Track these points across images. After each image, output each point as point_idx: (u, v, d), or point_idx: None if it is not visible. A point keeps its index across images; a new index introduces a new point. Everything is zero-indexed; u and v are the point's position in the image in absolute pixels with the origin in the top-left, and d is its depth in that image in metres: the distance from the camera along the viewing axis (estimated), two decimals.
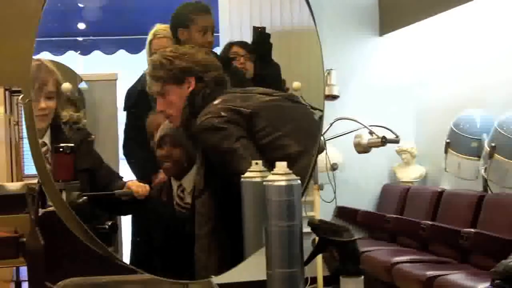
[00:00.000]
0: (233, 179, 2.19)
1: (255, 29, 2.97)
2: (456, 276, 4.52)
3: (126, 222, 2.85)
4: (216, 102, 2.54)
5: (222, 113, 2.49)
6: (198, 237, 2.58)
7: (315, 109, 2.82)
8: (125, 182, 2.71)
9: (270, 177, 1.91)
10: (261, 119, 2.51)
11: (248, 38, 3.04)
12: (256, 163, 2.11)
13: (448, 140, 5.50)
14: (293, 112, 2.68)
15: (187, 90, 2.59)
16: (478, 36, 5.94)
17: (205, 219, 2.58)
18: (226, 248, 2.55)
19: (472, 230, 4.75)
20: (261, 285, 1.98)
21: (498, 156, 4.84)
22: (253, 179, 2.08)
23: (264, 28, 2.95)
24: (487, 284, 3.66)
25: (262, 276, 1.95)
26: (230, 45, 3.02)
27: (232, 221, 2.23)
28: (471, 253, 5.00)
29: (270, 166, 2.00)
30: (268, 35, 2.96)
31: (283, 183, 1.88)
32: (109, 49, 3.18)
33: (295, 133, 2.55)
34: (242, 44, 3.08)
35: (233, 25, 3.06)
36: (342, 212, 6.24)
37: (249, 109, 2.51)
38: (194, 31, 2.85)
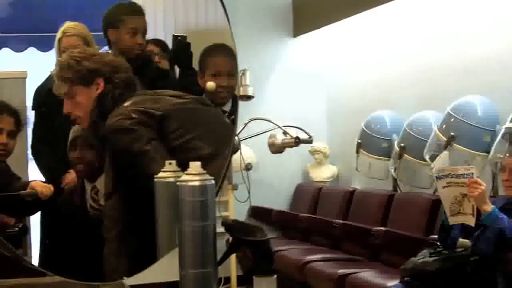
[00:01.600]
0: (144, 181, 2.17)
1: (175, 37, 2.92)
2: (367, 274, 4.60)
3: (37, 225, 2.79)
4: (126, 104, 2.51)
5: (133, 115, 2.46)
6: (107, 240, 2.54)
7: (224, 112, 2.83)
8: (29, 182, 2.64)
9: (184, 177, 1.90)
10: (173, 121, 2.49)
11: (162, 37, 3.02)
12: (170, 163, 2.10)
13: (359, 141, 5.58)
14: (204, 114, 2.67)
15: (95, 91, 2.54)
16: (389, 39, 6.07)
17: (113, 223, 2.54)
18: (138, 250, 2.52)
19: (383, 228, 4.85)
20: (175, 286, 1.97)
21: (407, 156, 4.95)
22: (167, 179, 2.07)
23: (184, 37, 2.92)
24: (397, 281, 3.74)
25: (176, 277, 1.93)
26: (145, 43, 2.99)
27: (144, 224, 2.21)
28: (382, 251, 5.09)
29: (182, 168, 1.99)
30: (188, 44, 2.93)
31: (197, 183, 1.87)
32: (19, 46, 3.10)
33: (207, 136, 2.55)
34: (156, 42, 3.05)
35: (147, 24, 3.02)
36: (256, 212, 6.27)
37: (160, 111, 2.49)
38: (124, 32, 2.81)
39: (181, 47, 2.91)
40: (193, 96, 2.73)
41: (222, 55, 2.96)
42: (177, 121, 2.50)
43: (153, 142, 2.45)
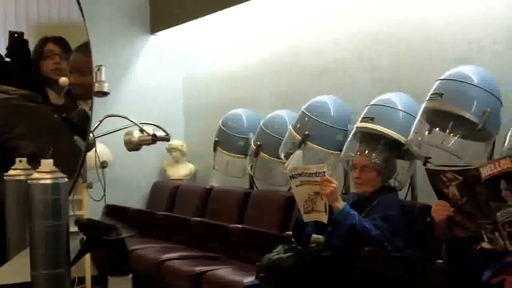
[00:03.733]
0: None
1: (11, 34, 2.78)
2: (224, 271, 4.63)
3: None
4: None
5: None
6: None
7: (62, 109, 2.74)
8: None
9: (35, 175, 1.84)
10: None
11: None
12: (20, 161, 2.02)
13: (216, 139, 5.60)
14: (30, 112, 2.57)
15: None
16: (246, 38, 6.15)
17: None
18: None
19: (239, 225, 4.91)
20: (26, 287, 1.91)
21: (263, 155, 5.03)
22: (17, 177, 2.00)
23: (21, 34, 2.78)
24: (253, 277, 3.79)
25: (27, 278, 1.87)
26: (45, 41, 2.84)
27: None
28: (239, 248, 5.15)
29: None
30: (25, 40, 2.80)
31: (49, 181, 1.82)
32: None
33: (31, 134, 2.45)
34: (58, 41, 2.90)
35: None
36: (112, 211, 6.15)
37: None
38: None
39: (17, 44, 2.78)
40: (20, 92, 2.60)
41: (77, 51, 2.88)
42: None
43: None
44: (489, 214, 2.51)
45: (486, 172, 2.48)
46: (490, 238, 2.54)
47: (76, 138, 2.71)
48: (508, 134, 3.18)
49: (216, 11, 5.88)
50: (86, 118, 2.77)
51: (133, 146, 3.71)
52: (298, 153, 3.58)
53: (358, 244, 3.47)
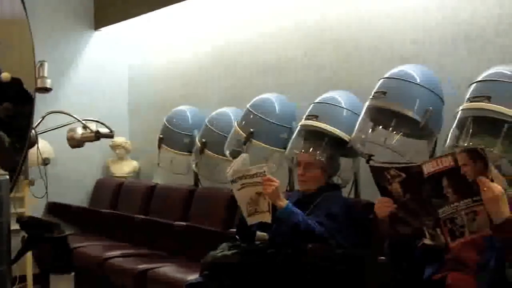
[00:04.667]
0: None
1: None
2: (168, 269, 4.61)
3: None
4: None
5: None
6: None
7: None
8: None
9: None
10: None
11: None
12: None
13: (161, 136, 5.57)
14: None
15: None
16: (192, 35, 6.13)
17: None
18: None
19: (183, 223, 4.88)
20: None
21: (208, 152, 5.02)
22: None
23: None
24: (197, 275, 3.78)
25: None
26: None
27: None
28: (183, 246, 5.13)
29: None
30: None
31: None
32: None
33: None
34: None
35: None
36: (54, 208, 6.05)
37: None
38: None
39: None
40: None
41: None
42: None
43: None
44: (430, 210, 2.55)
45: (428, 169, 2.52)
46: (432, 235, 2.58)
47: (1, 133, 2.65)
48: (450, 133, 3.23)
49: (160, 7, 5.85)
50: (12, 115, 2.71)
51: (75, 142, 3.66)
52: (239, 159, 3.58)
53: (303, 242, 3.49)
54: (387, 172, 2.65)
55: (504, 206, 2.48)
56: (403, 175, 2.62)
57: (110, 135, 3.75)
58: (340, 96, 4.10)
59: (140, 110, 6.86)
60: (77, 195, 6.59)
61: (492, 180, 2.50)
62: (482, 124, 3.11)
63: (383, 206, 2.73)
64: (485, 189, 2.46)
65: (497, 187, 2.49)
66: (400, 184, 2.65)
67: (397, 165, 2.70)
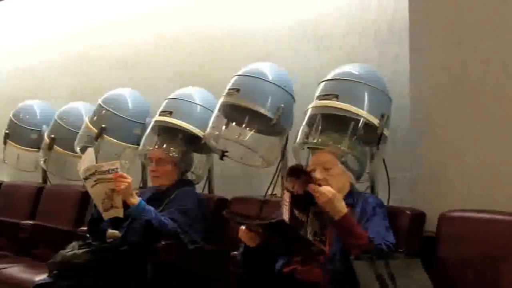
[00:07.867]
0: None
1: None
2: (14, 270, 4.43)
3: None
4: None
5: None
6: None
7: None
8: None
9: None
10: None
11: None
12: None
13: (7, 131, 5.37)
14: None
15: None
16: (39, 27, 5.98)
17: None
18: None
19: (30, 222, 4.76)
20: None
21: (58, 148, 4.89)
22: None
23: None
24: (46, 275, 3.68)
25: None
26: None
27: None
28: (31, 246, 4.96)
29: None
30: None
31: None
32: None
33: None
34: None
35: None
36: None
37: None
38: None
39: None
40: None
41: None
42: None
43: None
44: (302, 243, 2.72)
45: (287, 217, 2.67)
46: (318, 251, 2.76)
47: None
48: (300, 130, 3.31)
49: None
50: None
51: None
52: (87, 153, 3.53)
53: (156, 238, 3.48)
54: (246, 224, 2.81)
55: (340, 204, 2.72)
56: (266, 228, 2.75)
57: None
58: (194, 92, 4.11)
59: None
60: None
61: (319, 185, 2.73)
62: (331, 121, 3.21)
63: (248, 239, 2.85)
64: (318, 195, 2.69)
65: (329, 190, 2.72)
66: (262, 232, 2.80)
67: (254, 222, 2.83)
